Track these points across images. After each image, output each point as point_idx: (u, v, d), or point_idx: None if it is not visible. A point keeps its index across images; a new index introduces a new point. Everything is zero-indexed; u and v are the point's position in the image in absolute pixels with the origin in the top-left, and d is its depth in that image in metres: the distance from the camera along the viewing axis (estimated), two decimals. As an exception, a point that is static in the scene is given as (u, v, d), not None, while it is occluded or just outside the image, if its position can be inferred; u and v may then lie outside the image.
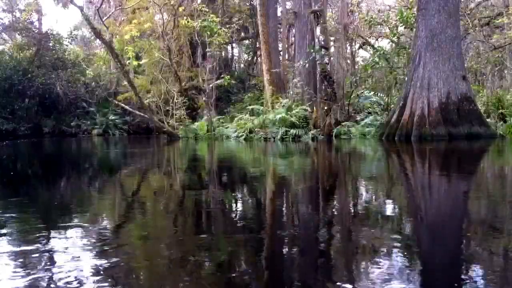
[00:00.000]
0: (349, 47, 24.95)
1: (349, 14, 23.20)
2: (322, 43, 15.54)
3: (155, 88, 19.91)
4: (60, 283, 1.68)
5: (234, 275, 1.78)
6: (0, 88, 21.59)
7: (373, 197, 3.72)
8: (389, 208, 3.21)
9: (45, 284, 1.68)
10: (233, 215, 3.10)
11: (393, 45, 17.87)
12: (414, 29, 13.06)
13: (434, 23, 11.66)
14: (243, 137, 14.80)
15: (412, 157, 7.74)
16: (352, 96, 15.62)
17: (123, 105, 20.49)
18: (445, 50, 11.61)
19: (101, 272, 1.80)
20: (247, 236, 2.41)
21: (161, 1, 20.36)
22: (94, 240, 2.32)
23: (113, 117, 24.25)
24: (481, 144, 9.87)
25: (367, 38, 24.54)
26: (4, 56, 23.37)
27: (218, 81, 18.54)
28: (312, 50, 15.08)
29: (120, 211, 3.32)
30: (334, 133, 13.90)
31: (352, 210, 3.14)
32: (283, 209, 3.28)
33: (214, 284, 1.68)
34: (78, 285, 1.65)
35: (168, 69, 21.61)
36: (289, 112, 14.67)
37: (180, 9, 20.57)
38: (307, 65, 15.44)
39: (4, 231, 2.53)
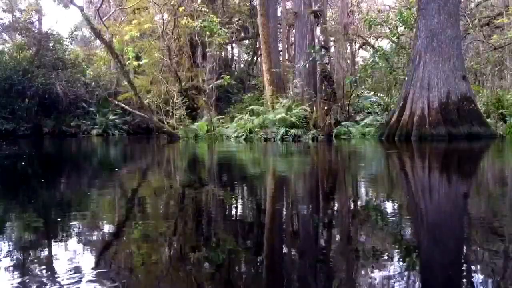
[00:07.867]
0: (349, 47, 24.96)
1: (349, 14, 23.22)
2: (322, 43, 15.53)
3: (155, 88, 19.89)
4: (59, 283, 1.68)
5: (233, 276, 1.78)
6: (0, 88, 21.57)
7: (375, 197, 3.72)
8: (392, 208, 3.21)
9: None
10: (234, 216, 3.10)
11: (393, 45, 17.85)
12: (414, 29, 13.06)
13: (434, 23, 11.66)
14: (243, 137, 14.78)
15: (412, 157, 7.73)
16: (352, 96, 15.61)
17: (123, 105, 20.45)
18: (445, 50, 11.60)
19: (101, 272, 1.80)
20: (246, 237, 2.41)
21: (161, 1, 20.35)
22: (92, 243, 2.32)
23: (113, 117, 24.22)
24: (481, 144, 9.86)
25: (367, 38, 24.54)
26: (4, 56, 23.34)
27: (218, 81, 18.53)
28: (312, 50, 15.07)
29: (119, 213, 3.32)
30: (334, 133, 13.90)
31: (358, 210, 3.14)
32: (284, 210, 3.27)
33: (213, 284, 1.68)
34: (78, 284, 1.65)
35: (168, 69, 21.59)
36: (289, 112, 14.65)
37: (180, 9, 20.56)
38: (307, 65, 15.44)
39: (4, 230, 2.53)
